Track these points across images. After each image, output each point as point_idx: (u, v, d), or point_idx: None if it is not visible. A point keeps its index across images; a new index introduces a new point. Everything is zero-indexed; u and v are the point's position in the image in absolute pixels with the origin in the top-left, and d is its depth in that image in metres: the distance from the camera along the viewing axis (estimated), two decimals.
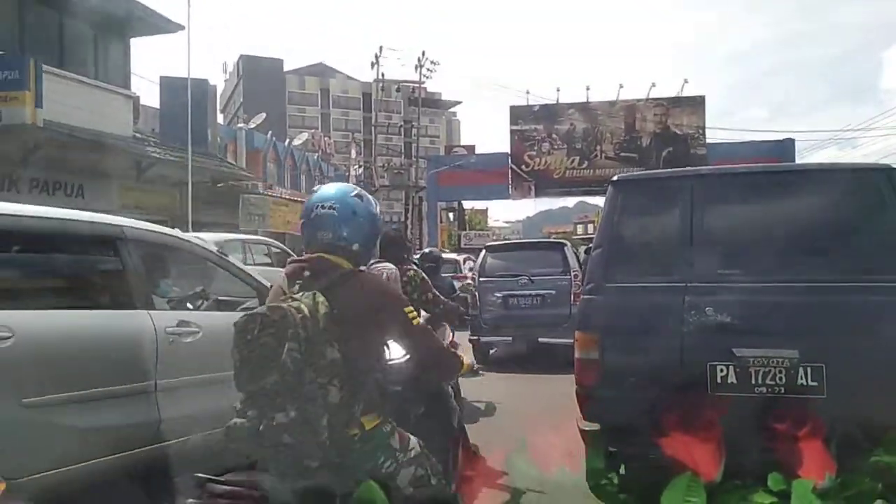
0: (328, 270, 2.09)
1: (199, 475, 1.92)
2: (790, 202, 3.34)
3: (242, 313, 2.12)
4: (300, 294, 2.00)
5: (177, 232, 4.69)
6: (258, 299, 4.28)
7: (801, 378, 3.02)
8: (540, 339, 8.46)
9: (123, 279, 3.68)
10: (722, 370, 3.12)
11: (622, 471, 3.16)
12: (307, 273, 2.11)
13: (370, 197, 2.31)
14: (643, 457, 2.86)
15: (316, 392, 1.89)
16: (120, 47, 13.60)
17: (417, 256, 12.02)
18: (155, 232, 4.13)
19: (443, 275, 8.07)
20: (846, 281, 3.11)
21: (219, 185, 17.19)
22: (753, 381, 3.08)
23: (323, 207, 2.17)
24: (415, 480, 2.11)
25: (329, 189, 2.31)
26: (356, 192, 2.28)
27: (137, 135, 14.46)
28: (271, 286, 2.42)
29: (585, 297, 3.58)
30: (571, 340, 3.73)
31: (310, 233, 2.22)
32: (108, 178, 13.18)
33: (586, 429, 3.28)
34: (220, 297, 4.50)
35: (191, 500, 1.89)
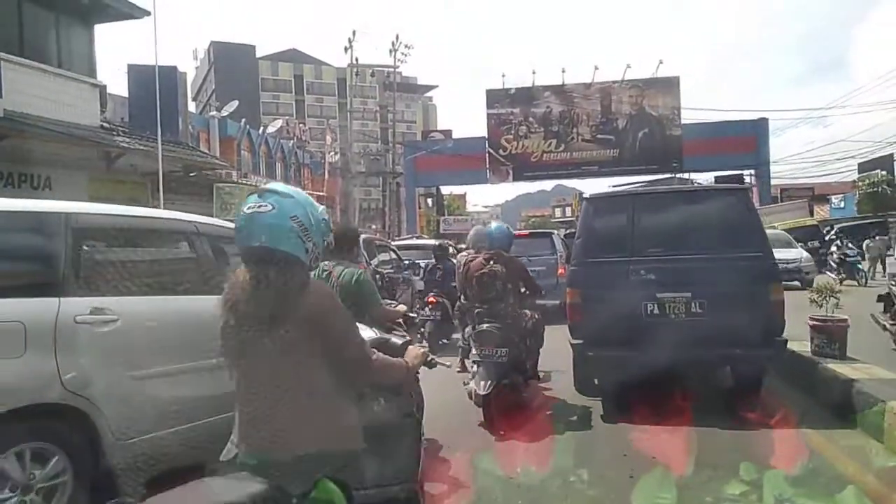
0: (500, 256, 5.61)
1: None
2: (687, 208, 5.58)
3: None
4: (493, 264, 5.50)
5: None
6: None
7: (693, 308, 5.27)
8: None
9: (198, 268, 4.24)
10: (650, 306, 5.34)
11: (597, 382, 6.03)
12: (494, 257, 5.57)
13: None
14: (607, 355, 5.39)
15: (508, 297, 5.53)
16: (84, 34, 13.14)
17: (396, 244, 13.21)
18: (219, 226, 4.75)
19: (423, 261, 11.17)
20: (716, 254, 5.32)
21: (191, 174, 16.82)
22: (668, 311, 5.32)
23: (492, 235, 5.95)
24: (534, 326, 5.85)
25: (493, 225, 6.42)
26: (506, 226, 6.54)
27: (105, 124, 14.05)
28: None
29: (572, 267, 5.98)
30: (557, 302, 7.48)
31: (481, 243, 6.01)
32: (77, 170, 12.79)
33: (574, 342, 5.56)
34: None
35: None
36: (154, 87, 21.66)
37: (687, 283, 5.24)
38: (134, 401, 3.48)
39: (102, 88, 14.09)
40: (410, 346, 2.57)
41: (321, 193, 26.05)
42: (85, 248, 3.64)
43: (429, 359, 2.57)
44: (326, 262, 4.06)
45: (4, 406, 2.93)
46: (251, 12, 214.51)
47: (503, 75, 36.55)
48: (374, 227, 35.19)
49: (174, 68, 23.61)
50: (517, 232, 13.87)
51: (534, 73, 35.62)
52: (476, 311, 5.55)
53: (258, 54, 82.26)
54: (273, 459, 1.83)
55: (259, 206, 1.88)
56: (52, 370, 3.13)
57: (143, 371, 3.57)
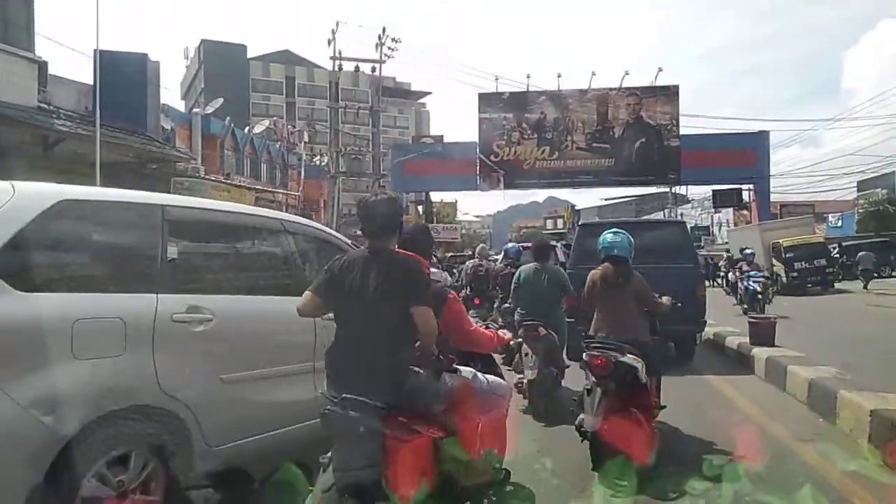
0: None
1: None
2: (646, 233, 7.49)
3: None
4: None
5: (320, 224, 5.36)
6: None
7: None
8: None
9: (286, 267, 4.15)
10: None
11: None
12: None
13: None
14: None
15: None
16: (19, 2, 11.69)
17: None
18: (304, 224, 4.74)
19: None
20: (664, 264, 7.22)
21: (153, 166, 15.38)
22: None
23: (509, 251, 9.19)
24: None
25: (509, 245, 9.90)
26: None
27: (44, 105, 12.57)
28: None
29: (568, 271, 7.53)
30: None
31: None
32: (8, 156, 11.32)
33: (569, 321, 6.76)
34: None
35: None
36: (122, 75, 19.98)
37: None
38: (226, 405, 3.37)
39: (42, 65, 12.61)
40: (664, 297, 5.02)
41: (297, 194, 24.55)
42: (179, 242, 3.49)
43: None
44: (537, 264, 6.59)
45: (105, 408, 2.82)
46: (244, 12, 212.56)
47: (496, 78, 35.15)
48: (357, 231, 33.67)
49: (145, 56, 22.12)
50: (525, 244, 14.22)
51: (528, 77, 34.30)
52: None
53: (250, 54, 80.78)
54: (618, 338, 4.44)
55: (616, 238, 4.92)
56: (150, 371, 3.04)
57: (236, 374, 3.47)
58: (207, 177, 17.51)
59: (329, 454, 2.75)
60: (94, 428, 2.73)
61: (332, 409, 2.65)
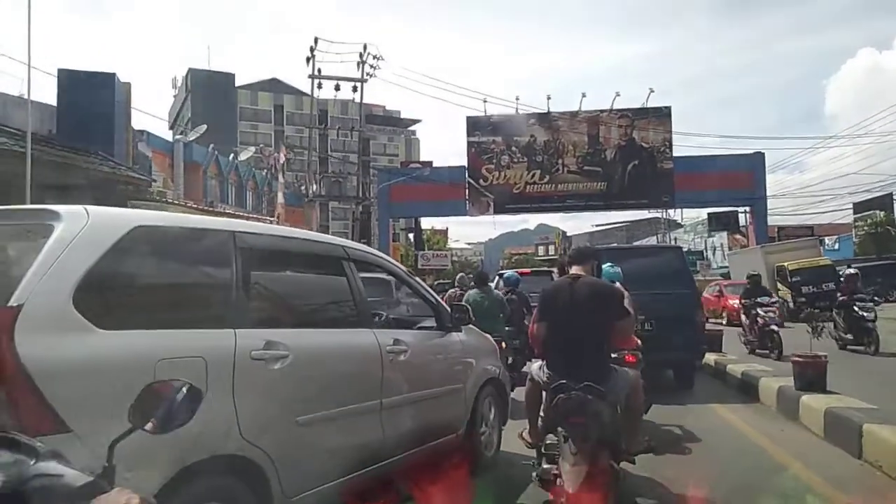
0: (515, 292, 9.74)
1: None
2: (641, 259, 8.05)
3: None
4: (511, 295, 9.34)
5: (380, 252, 5.26)
6: (435, 319, 4.83)
7: (646, 327, 6.84)
8: None
9: (352, 297, 3.95)
10: None
11: None
12: (512, 292, 9.38)
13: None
14: None
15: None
16: None
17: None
18: (365, 251, 4.64)
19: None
20: (661, 290, 7.53)
21: (119, 188, 14.21)
22: None
23: (510, 279, 9.65)
24: None
25: (507, 272, 10.66)
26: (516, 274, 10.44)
27: None
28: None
29: None
30: None
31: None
32: None
33: None
34: (396, 317, 5.05)
35: None
36: (87, 96, 18.76)
37: (642, 310, 6.73)
38: (302, 450, 3.14)
39: None
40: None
41: (271, 220, 23.41)
42: (252, 272, 3.27)
43: None
44: (479, 289, 7.98)
45: (187, 460, 2.52)
46: (233, 41, 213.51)
47: (485, 101, 34.32)
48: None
49: (113, 75, 21.10)
50: (521, 270, 14.68)
51: (517, 99, 33.55)
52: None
53: (237, 83, 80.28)
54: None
55: (612, 270, 5.86)
56: (231, 415, 2.77)
57: (311, 416, 3.23)
58: (171, 201, 16.34)
59: (561, 430, 3.54)
60: (175, 484, 2.47)
61: (576, 392, 3.55)
